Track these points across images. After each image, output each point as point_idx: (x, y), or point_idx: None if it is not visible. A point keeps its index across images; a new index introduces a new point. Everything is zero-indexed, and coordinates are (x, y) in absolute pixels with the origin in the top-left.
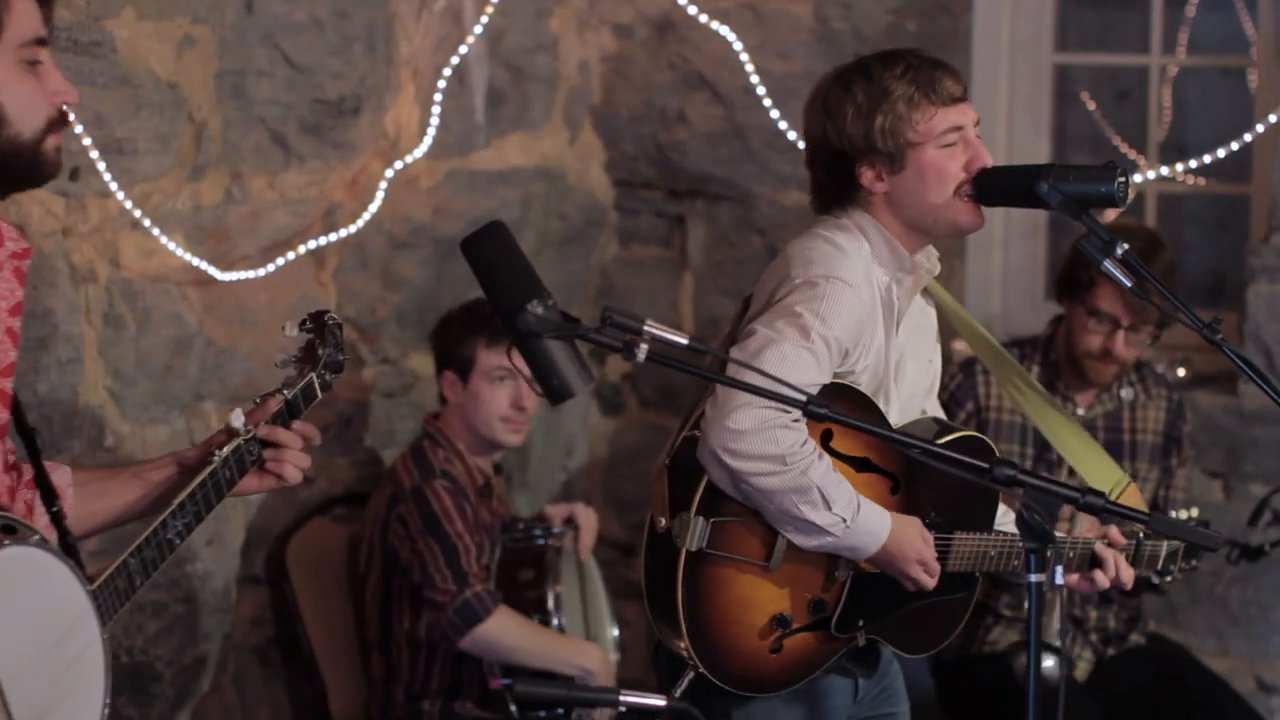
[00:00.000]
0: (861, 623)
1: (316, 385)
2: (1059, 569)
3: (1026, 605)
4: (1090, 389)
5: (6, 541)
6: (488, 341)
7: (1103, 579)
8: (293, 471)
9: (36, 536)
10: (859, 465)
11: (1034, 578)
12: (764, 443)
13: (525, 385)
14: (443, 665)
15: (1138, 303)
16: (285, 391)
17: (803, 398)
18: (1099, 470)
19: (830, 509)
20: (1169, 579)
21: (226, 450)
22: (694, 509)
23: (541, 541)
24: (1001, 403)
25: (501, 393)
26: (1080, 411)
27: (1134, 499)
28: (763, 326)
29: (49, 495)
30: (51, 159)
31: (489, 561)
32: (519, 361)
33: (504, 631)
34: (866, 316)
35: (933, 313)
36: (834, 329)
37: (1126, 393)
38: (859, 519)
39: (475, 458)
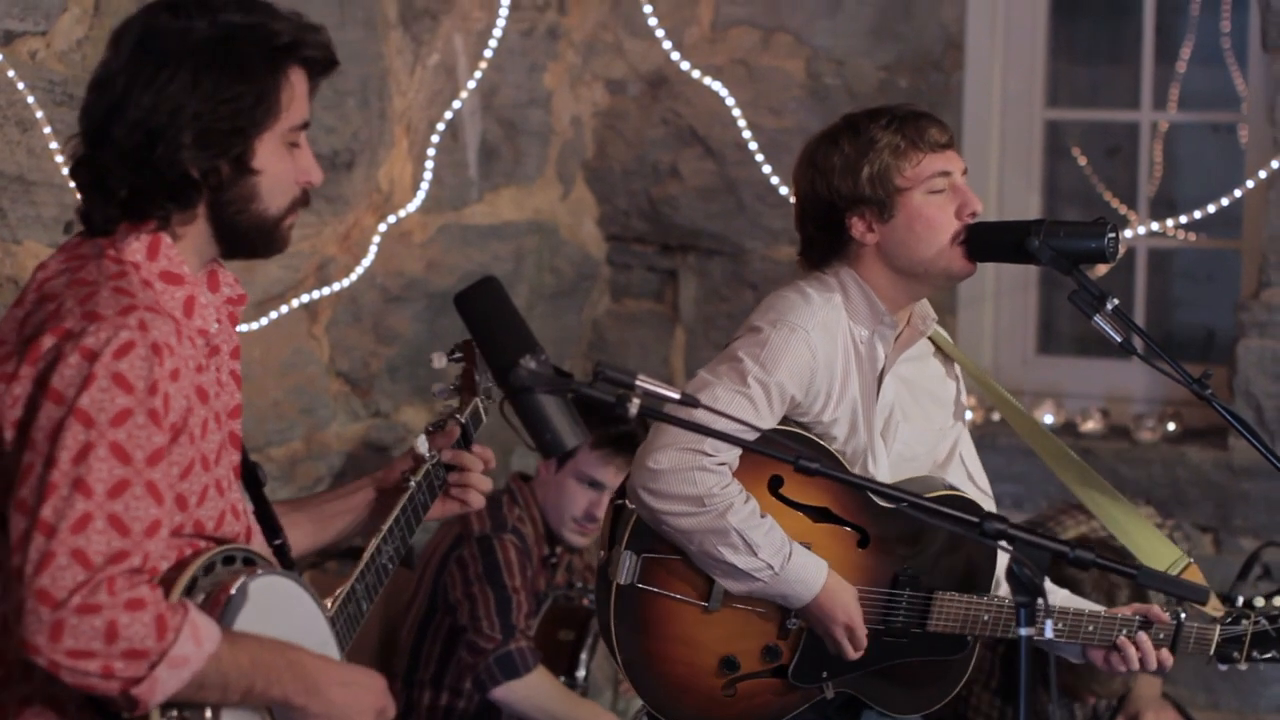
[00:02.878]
0: (825, 674)
1: (482, 410)
2: (1049, 624)
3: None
4: None
5: (259, 570)
6: (594, 444)
7: (1133, 657)
8: (476, 496)
9: (277, 567)
10: (816, 515)
11: (1024, 631)
12: (681, 483)
13: (606, 497)
14: (464, 712)
15: None
16: (459, 417)
17: (749, 437)
18: (1154, 549)
19: (755, 554)
20: (1241, 667)
21: (419, 476)
22: (624, 543)
23: (592, 606)
24: None
25: (583, 498)
26: None
27: (1196, 579)
28: (705, 371)
29: (273, 529)
30: (284, 236)
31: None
32: (614, 480)
33: (536, 691)
34: (822, 364)
35: (952, 387)
36: (774, 375)
37: None
38: (790, 567)
39: (552, 516)
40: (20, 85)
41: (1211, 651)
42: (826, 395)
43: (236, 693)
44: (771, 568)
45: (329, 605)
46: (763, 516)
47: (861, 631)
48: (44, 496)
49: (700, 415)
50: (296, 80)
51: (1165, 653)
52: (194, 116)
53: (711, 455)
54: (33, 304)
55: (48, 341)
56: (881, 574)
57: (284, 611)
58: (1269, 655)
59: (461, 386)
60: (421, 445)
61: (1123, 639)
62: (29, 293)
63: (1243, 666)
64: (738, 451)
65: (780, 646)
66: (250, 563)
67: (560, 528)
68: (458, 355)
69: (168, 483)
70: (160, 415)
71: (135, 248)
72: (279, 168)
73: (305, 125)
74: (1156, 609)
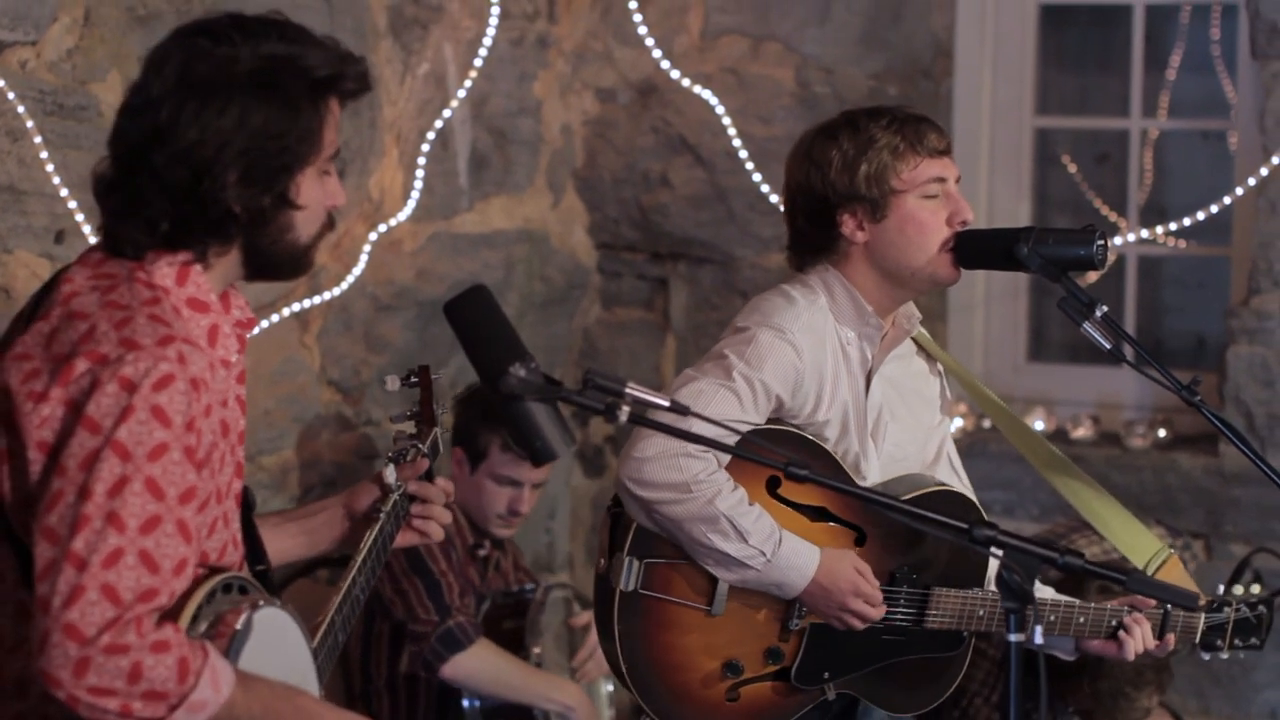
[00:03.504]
0: (827, 675)
1: (440, 441)
2: (1038, 629)
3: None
4: None
5: (261, 603)
6: (503, 445)
7: (1131, 648)
8: (436, 529)
9: (276, 599)
10: (814, 514)
11: (1014, 637)
12: (666, 470)
13: (528, 493)
14: (425, 710)
15: None
16: (422, 448)
17: (733, 436)
18: (1136, 541)
19: (746, 540)
20: (1222, 655)
21: (388, 506)
22: (626, 549)
23: (531, 594)
24: None
25: (502, 496)
26: None
27: (1176, 572)
28: (690, 369)
29: (257, 555)
30: (310, 260)
31: (473, 610)
32: (530, 475)
33: (485, 662)
34: (809, 366)
35: (937, 384)
36: (760, 372)
37: None
38: (781, 553)
39: (475, 513)
40: (10, 95)
41: (1197, 639)
42: (816, 397)
43: None
44: (763, 554)
45: (312, 635)
46: (751, 505)
47: (873, 591)
48: (76, 528)
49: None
50: (334, 111)
51: (1169, 636)
52: (241, 153)
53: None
54: (60, 320)
55: (81, 365)
56: (879, 572)
57: (280, 644)
58: (1250, 642)
59: (420, 416)
60: (390, 475)
61: (1130, 618)
62: (55, 307)
63: (1224, 655)
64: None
65: (782, 649)
66: (244, 591)
67: (485, 524)
68: (414, 381)
69: (196, 521)
70: (195, 451)
71: (165, 272)
72: (317, 199)
73: (338, 153)
74: (1143, 598)
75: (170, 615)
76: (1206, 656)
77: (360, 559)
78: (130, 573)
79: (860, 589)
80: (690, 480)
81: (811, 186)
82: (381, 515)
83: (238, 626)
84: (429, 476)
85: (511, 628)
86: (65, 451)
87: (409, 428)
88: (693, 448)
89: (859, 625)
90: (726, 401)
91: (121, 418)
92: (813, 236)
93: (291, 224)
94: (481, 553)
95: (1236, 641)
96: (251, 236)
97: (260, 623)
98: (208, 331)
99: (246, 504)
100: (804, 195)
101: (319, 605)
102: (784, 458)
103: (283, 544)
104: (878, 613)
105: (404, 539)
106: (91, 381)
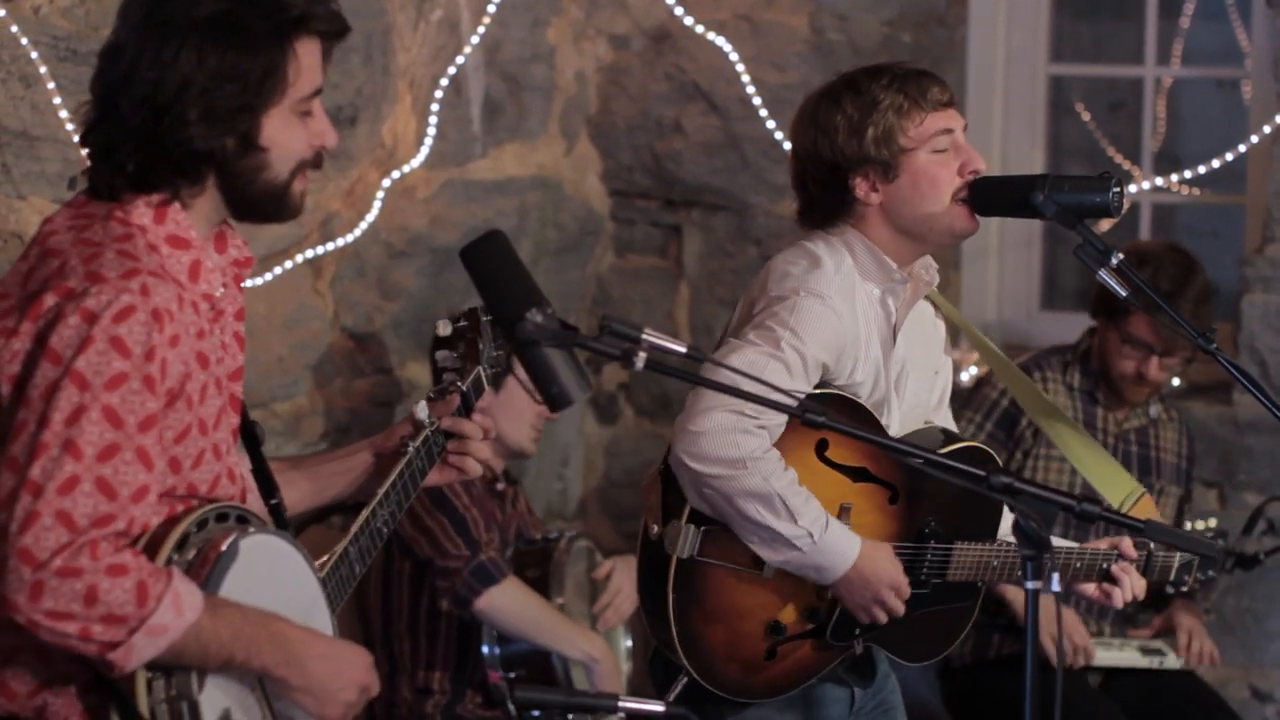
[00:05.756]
0: (858, 631)
1: (484, 378)
2: (1055, 576)
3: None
4: (1125, 405)
5: (251, 529)
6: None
7: (1119, 597)
8: (474, 464)
9: (271, 526)
10: (856, 475)
11: (1031, 585)
12: (723, 446)
13: None
14: (445, 652)
15: (1170, 331)
16: (460, 385)
17: (790, 401)
18: (1112, 481)
19: (795, 521)
20: (1184, 590)
21: (418, 441)
22: (685, 517)
23: (554, 543)
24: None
25: (530, 410)
26: (1114, 425)
27: (1148, 509)
28: (734, 338)
29: (269, 488)
30: (297, 202)
31: (499, 546)
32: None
33: (517, 600)
34: (848, 330)
35: (942, 325)
36: (806, 343)
37: (1154, 410)
38: (826, 537)
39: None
40: (24, 41)
41: (1171, 578)
42: (854, 360)
43: (216, 661)
44: (811, 535)
45: (321, 566)
46: (800, 486)
47: (906, 587)
48: (34, 456)
49: (738, 381)
50: (305, 51)
51: (1142, 580)
52: (200, 93)
53: (753, 418)
54: (36, 258)
55: (50, 300)
56: (909, 529)
57: (274, 570)
58: (1209, 575)
59: (465, 354)
60: (421, 411)
61: (1118, 567)
62: (33, 247)
63: (1186, 589)
64: (780, 416)
65: (819, 607)
66: (244, 520)
67: (521, 444)
68: (463, 323)
69: (159, 449)
70: (156, 381)
71: (143, 211)
72: (288, 139)
73: (317, 93)
74: (1128, 541)
75: (155, 541)
76: (1171, 591)
77: (383, 490)
78: (86, 499)
79: (897, 581)
80: (746, 456)
81: (820, 154)
82: (410, 449)
83: (222, 549)
84: (466, 412)
85: (535, 576)
86: (30, 383)
87: (454, 363)
88: (750, 424)
89: (884, 619)
90: (776, 373)
91: (81, 348)
92: (826, 202)
93: (265, 163)
94: (499, 487)
95: (1199, 576)
96: (225, 177)
97: (250, 549)
98: (189, 267)
99: (255, 439)
100: (813, 163)
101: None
102: (802, 405)
103: (287, 494)
104: (902, 607)
105: (441, 475)
106: (57, 314)
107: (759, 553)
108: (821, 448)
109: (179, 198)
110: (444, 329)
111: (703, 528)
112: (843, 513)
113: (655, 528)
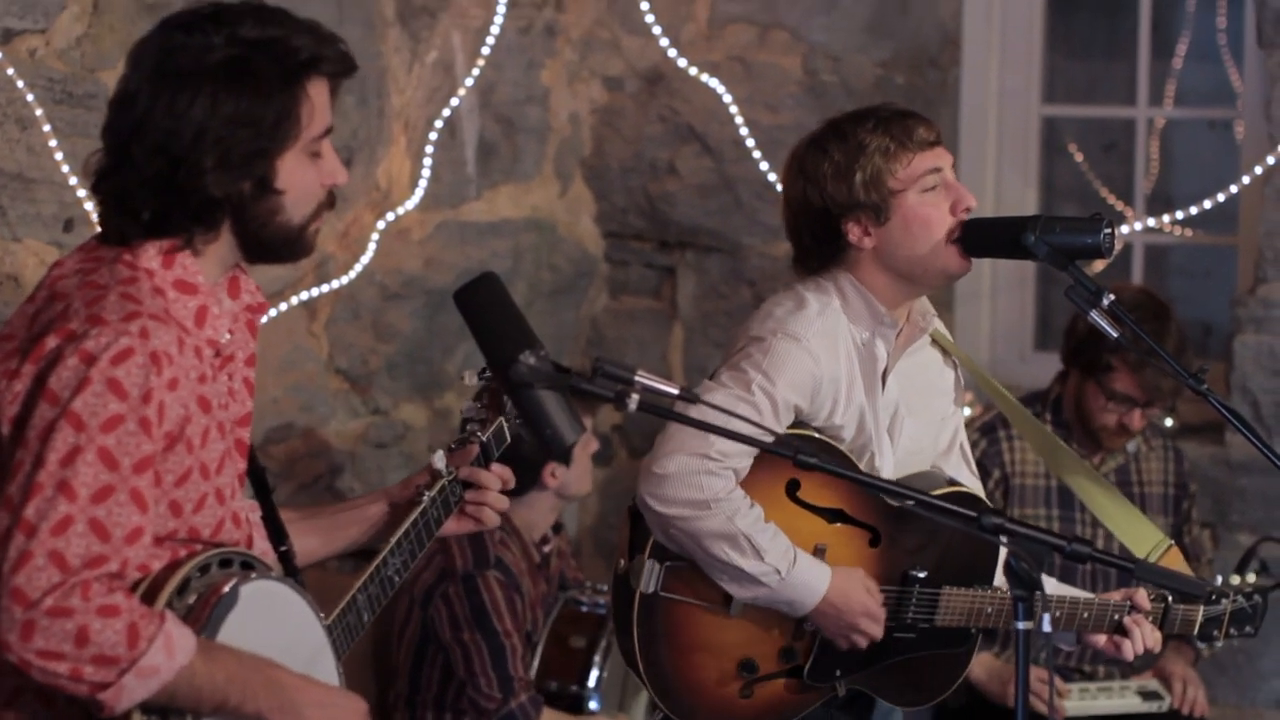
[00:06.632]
0: (839, 673)
1: (506, 430)
2: (1046, 617)
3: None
4: (1101, 450)
5: (254, 575)
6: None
7: (1129, 649)
8: (491, 515)
9: (276, 573)
10: (831, 517)
11: (1022, 625)
12: (687, 488)
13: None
14: None
15: (1153, 383)
16: (480, 435)
17: (767, 438)
18: (1136, 533)
19: (762, 558)
20: (1217, 645)
21: (434, 490)
22: (647, 551)
23: (604, 612)
24: (1025, 467)
25: (588, 461)
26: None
27: (1175, 561)
28: (709, 380)
29: (278, 535)
30: (309, 242)
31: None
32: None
33: None
34: (825, 372)
35: (950, 374)
36: (777, 385)
37: (1132, 446)
38: (795, 572)
39: (535, 531)
40: (20, 83)
41: (1195, 632)
42: (833, 402)
43: (209, 705)
44: (778, 572)
45: (328, 613)
46: (767, 523)
47: (882, 611)
48: (29, 495)
49: (708, 417)
50: (316, 92)
51: (1157, 632)
52: (215, 140)
53: (718, 460)
54: (43, 301)
55: (51, 342)
56: (892, 572)
57: (276, 617)
58: (1245, 631)
59: (488, 405)
60: (439, 461)
61: (1130, 620)
62: (41, 289)
63: (1219, 644)
64: (746, 460)
65: (796, 648)
66: (248, 566)
67: (582, 491)
68: (488, 374)
69: (155, 491)
70: (152, 424)
71: (151, 255)
72: (302, 181)
73: (328, 132)
74: (1143, 593)
75: (156, 585)
76: (1202, 646)
77: (396, 538)
78: (80, 540)
79: (870, 610)
80: (710, 498)
81: (810, 202)
82: (425, 498)
83: (223, 592)
84: (485, 463)
85: (578, 647)
86: (28, 423)
87: (477, 414)
88: (714, 465)
89: (863, 644)
90: (744, 414)
91: (78, 389)
92: (821, 250)
93: (279, 206)
94: (546, 549)
95: (1232, 631)
96: (239, 221)
97: (251, 594)
98: (195, 312)
99: (265, 485)
100: (805, 211)
101: (330, 593)
102: (794, 447)
103: (298, 544)
104: (880, 632)
105: (458, 526)
106: (57, 355)
107: (729, 590)
108: (792, 488)
109: (193, 244)
110: (470, 379)
111: (666, 563)
112: (817, 553)
113: (622, 562)
